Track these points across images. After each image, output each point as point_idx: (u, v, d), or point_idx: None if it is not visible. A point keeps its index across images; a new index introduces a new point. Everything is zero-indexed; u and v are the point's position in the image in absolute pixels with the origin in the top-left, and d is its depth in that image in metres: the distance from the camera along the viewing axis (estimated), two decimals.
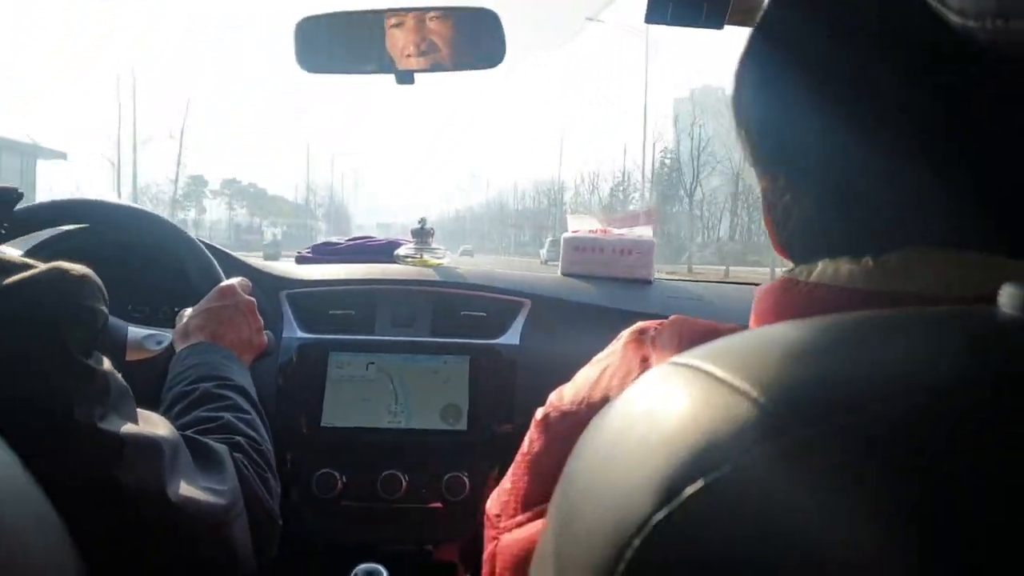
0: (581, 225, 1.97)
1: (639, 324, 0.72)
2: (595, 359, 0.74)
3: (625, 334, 0.72)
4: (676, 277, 2.33)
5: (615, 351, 0.71)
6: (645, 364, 0.66)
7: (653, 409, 0.33)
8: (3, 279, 0.65)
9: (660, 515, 0.28)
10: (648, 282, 1.86)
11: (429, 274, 1.75)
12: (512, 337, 1.59)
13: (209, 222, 68.74)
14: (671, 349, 0.62)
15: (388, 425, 1.48)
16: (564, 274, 1.90)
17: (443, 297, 1.67)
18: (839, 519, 0.25)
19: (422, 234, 1.86)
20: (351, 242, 2.00)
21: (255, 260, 1.77)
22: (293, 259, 2.00)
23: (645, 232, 1.91)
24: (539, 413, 0.74)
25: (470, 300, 1.66)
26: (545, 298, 1.68)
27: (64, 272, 0.69)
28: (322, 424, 1.47)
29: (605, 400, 0.63)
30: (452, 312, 1.63)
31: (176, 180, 61.13)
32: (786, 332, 0.37)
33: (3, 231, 1.28)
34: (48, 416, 0.65)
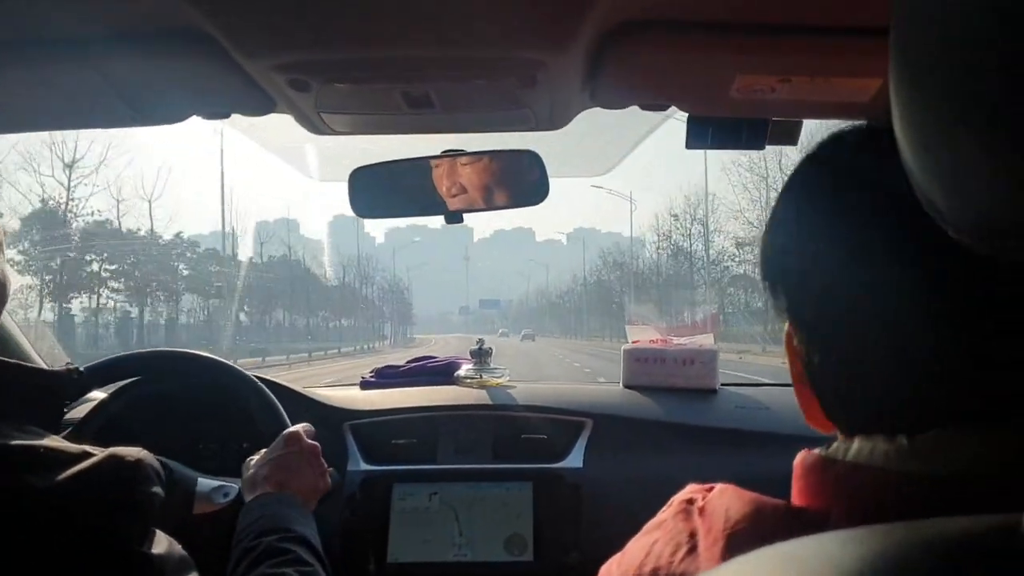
0: (641, 335, 1.96)
1: (689, 491, 0.71)
2: (646, 528, 0.73)
3: (675, 502, 0.71)
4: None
5: (664, 522, 0.70)
6: (692, 540, 0.65)
7: None
8: (58, 473, 0.67)
9: None
10: (713, 391, 1.83)
11: (488, 396, 1.75)
12: (575, 460, 1.57)
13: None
14: (717, 531, 0.61)
15: (454, 558, 1.47)
16: (626, 386, 1.88)
17: (504, 420, 1.67)
18: None
19: (480, 354, 1.87)
20: (412, 364, 2.03)
21: (321, 391, 1.81)
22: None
23: (707, 340, 1.89)
24: None
25: (531, 422, 1.65)
26: (607, 416, 1.66)
27: (119, 460, 0.71)
28: (388, 560, 1.47)
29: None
30: (513, 436, 1.63)
31: None
32: (830, 556, 0.38)
33: (66, 409, 1.34)
34: None
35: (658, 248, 52.35)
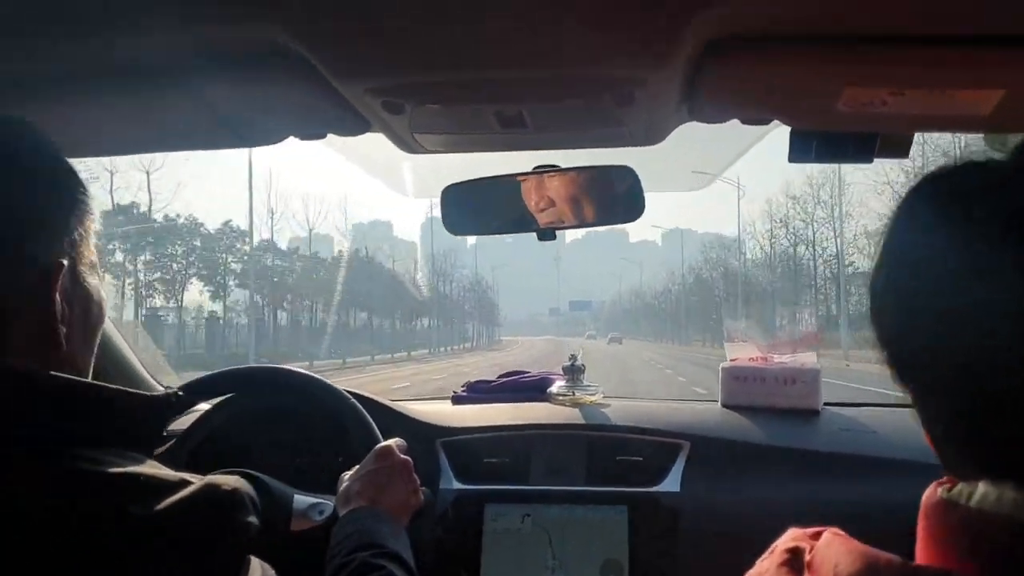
0: (740, 353, 1.89)
1: (792, 538, 0.67)
2: (748, 575, 0.69)
3: (777, 550, 0.67)
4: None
5: (767, 572, 0.66)
6: None
7: None
8: (158, 501, 0.68)
9: None
10: (816, 412, 1.75)
11: (581, 414, 1.72)
12: (672, 483, 1.52)
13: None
14: None
15: None
16: (724, 406, 1.82)
17: (597, 440, 1.63)
18: None
19: (573, 371, 1.84)
20: (504, 379, 2.02)
21: (412, 406, 1.81)
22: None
23: (809, 359, 1.81)
24: None
25: (626, 443, 1.61)
26: (705, 438, 1.61)
27: (215, 489, 0.71)
28: None
29: None
30: (607, 457, 1.59)
31: None
32: None
33: (165, 433, 1.38)
34: None
35: (771, 238, 46.62)
